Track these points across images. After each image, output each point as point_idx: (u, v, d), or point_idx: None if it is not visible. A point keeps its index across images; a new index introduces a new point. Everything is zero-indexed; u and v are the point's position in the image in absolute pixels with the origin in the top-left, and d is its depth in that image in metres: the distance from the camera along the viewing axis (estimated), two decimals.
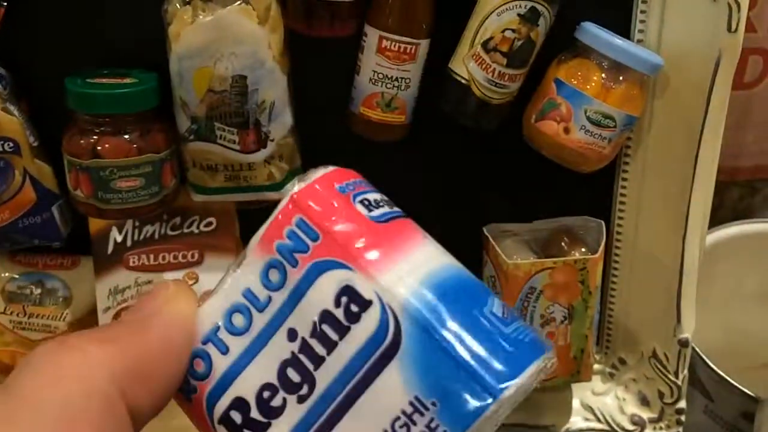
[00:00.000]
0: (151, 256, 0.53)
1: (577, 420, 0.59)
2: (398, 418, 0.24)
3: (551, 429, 0.59)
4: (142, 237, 0.53)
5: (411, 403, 0.24)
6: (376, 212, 0.26)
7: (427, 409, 0.23)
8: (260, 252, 0.26)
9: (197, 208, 0.53)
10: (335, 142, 0.49)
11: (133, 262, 0.53)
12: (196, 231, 0.53)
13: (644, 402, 0.58)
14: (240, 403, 0.26)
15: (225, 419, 0.26)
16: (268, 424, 0.26)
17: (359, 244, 0.25)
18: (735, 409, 0.59)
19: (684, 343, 0.54)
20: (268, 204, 0.52)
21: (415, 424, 0.23)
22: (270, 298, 0.26)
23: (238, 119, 0.46)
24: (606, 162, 0.49)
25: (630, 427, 0.58)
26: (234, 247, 0.54)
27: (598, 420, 0.59)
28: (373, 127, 0.49)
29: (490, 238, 0.53)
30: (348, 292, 0.25)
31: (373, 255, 0.25)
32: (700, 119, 0.48)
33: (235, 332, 0.26)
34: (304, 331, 0.25)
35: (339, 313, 0.25)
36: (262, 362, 0.26)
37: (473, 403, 0.23)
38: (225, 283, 0.27)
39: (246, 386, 0.26)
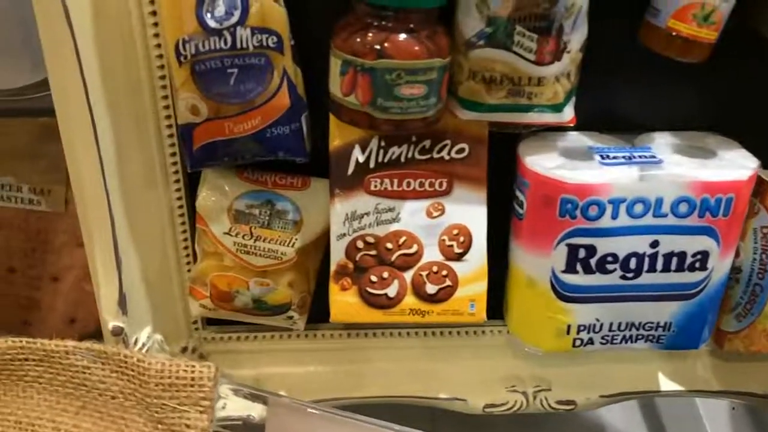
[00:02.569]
0: (395, 181, 0.47)
1: None
2: None
3: None
4: (387, 159, 0.47)
5: None
6: None
7: None
8: None
9: (450, 131, 0.47)
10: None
11: (375, 186, 0.47)
12: (447, 157, 0.47)
13: None
14: None
15: None
16: None
17: None
18: None
19: None
20: (532, 128, 0.46)
21: None
22: None
23: (542, 23, 0.40)
24: None
25: None
26: (483, 179, 0.48)
27: None
28: (680, 45, 0.42)
29: None
30: None
31: None
32: None
33: None
34: None
35: None
36: None
37: None
38: None
39: None
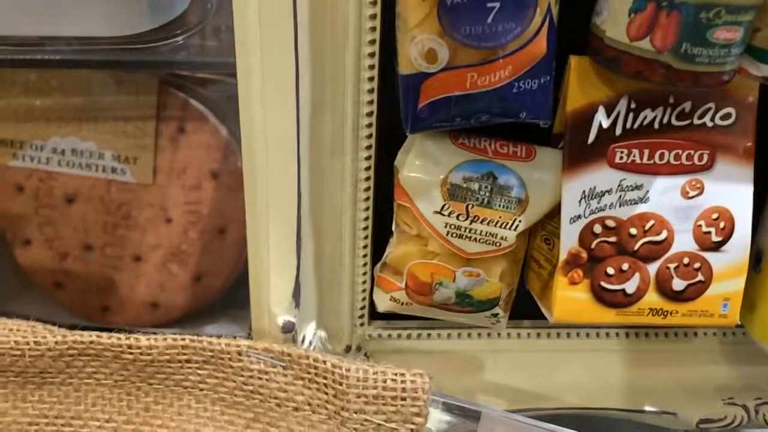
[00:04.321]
0: (646, 152, 0.39)
1: None
2: None
3: None
4: (637, 124, 0.39)
5: None
6: None
7: None
8: None
9: (714, 92, 0.38)
10: None
11: (621, 157, 0.39)
12: (709, 124, 0.39)
13: None
14: None
15: None
16: None
17: None
18: None
19: None
20: None
21: None
22: None
23: None
24: None
25: None
26: (750, 152, 0.39)
27: None
28: None
29: None
30: None
31: None
32: None
33: None
34: None
35: None
36: None
37: None
38: None
39: None
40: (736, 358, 0.48)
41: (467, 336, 0.47)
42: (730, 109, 0.39)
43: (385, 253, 0.42)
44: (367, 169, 0.41)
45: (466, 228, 0.39)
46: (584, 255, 0.40)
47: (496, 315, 0.42)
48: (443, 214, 0.39)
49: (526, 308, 0.45)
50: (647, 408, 0.48)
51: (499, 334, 0.47)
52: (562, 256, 0.40)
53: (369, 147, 0.41)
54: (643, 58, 0.33)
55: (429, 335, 0.47)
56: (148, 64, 0.55)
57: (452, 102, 0.35)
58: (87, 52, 0.52)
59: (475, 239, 0.40)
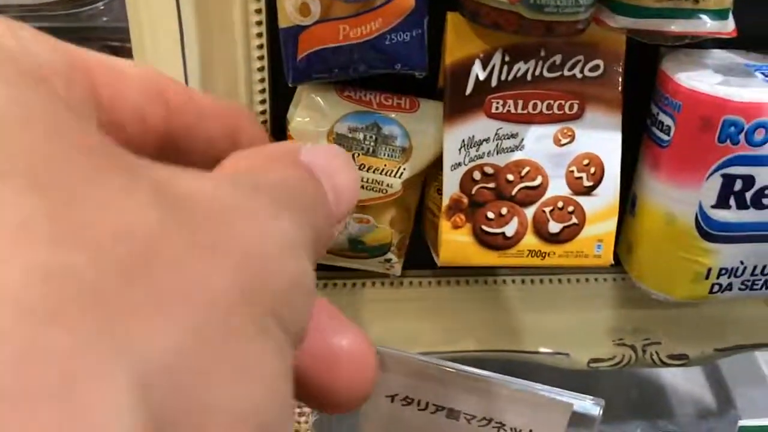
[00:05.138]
0: (520, 103, 0.41)
1: None
2: None
3: None
4: (511, 76, 0.41)
5: None
6: None
7: None
8: None
9: (583, 44, 0.41)
10: None
11: (497, 107, 0.41)
12: (579, 75, 0.41)
13: None
14: None
15: None
16: None
17: None
18: None
19: None
20: (685, 41, 0.40)
21: None
22: None
23: None
24: None
25: None
26: (618, 102, 0.42)
27: None
28: None
29: None
30: None
31: None
32: None
33: None
34: None
35: None
36: None
37: None
38: None
39: None
40: (626, 302, 0.51)
41: (371, 285, 0.50)
42: (599, 61, 0.41)
43: None
44: (264, 122, 0.43)
45: None
46: (465, 200, 0.42)
47: (389, 260, 0.45)
48: None
49: (426, 258, 0.47)
50: (541, 349, 0.50)
51: (401, 283, 0.50)
52: (445, 201, 0.42)
53: (263, 101, 0.43)
54: (498, 9, 0.35)
55: (325, 285, 0.50)
56: (66, 31, 0.57)
57: (329, 53, 0.37)
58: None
59: (363, 186, 0.42)
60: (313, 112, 0.41)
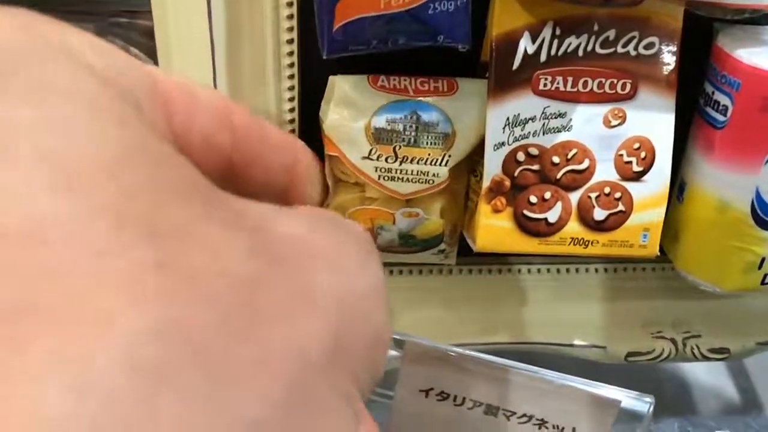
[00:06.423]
0: (570, 80, 0.39)
1: None
2: None
3: None
4: (561, 51, 0.38)
5: None
6: None
7: None
8: None
9: (638, 20, 0.38)
10: None
11: (545, 84, 0.39)
12: (633, 53, 0.39)
13: None
14: None
15: None
16: None
17: None
18: None
19: None
20: (744, 14, 0.37)
21: None
22: None
23: None
24: None
25: None
26: (673, 82, 0.39)
27: None
28: None
29: None
30: None
31: None
32: None
33: None
34: None
35: None
36: None
37: None
38: None
39: None
40: (665, 293, 0.49)
41: (399, 273, 0.47)
42: (654, 39, 0.39)
43: (324, 205, 0.41)
44: (291, 99, 0.41)
45: (396, 170, 0.39)
46: (507, 183, 0.40)
47: (443, 251, 0.42)
48: (372, 159, 0.38)
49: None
50: (576, 342, 0.48)
51: (431, 270, 0.48)
52: (486, 183, 0.40)
53: (292, 76, 0.40)
54: None
55: None
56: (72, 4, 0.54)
57: (367, 23, 0.35)
58: None
59: (408, 179, 0.39)
60: (347, 107, 0.38)
